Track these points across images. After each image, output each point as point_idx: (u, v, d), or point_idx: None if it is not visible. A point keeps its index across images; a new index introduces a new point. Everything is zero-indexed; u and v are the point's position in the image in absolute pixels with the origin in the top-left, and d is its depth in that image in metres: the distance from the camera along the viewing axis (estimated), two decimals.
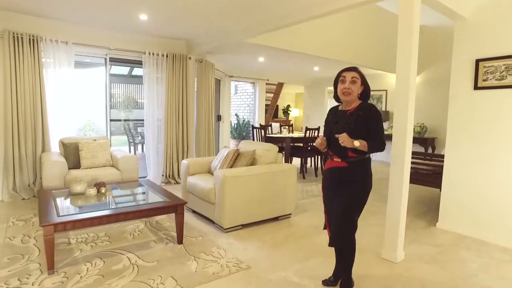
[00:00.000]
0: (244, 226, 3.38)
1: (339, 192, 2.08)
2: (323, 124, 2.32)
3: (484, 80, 3.12)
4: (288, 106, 13.81)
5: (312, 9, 3.34)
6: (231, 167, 3.62)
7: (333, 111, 2.22)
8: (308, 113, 10.06)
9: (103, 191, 3.06)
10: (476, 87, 3.18)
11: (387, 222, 2.74)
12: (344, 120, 2.05)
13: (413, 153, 3.27)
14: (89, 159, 4.09)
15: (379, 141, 2.00)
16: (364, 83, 2.07)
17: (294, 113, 14.02)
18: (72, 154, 4.08)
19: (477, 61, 3.15)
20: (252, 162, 3.69)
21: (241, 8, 3.65)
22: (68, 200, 2.94)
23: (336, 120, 2.12)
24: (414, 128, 7.26)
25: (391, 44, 6.66)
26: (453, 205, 3.43)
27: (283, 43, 4.84)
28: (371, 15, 6.01)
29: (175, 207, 2.84)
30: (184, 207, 3.79)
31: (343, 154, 2.05)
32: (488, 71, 3.08)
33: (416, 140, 6.10)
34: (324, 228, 2.24)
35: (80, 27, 4.48)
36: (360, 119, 1.99)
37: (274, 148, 3.76)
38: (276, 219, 3.64)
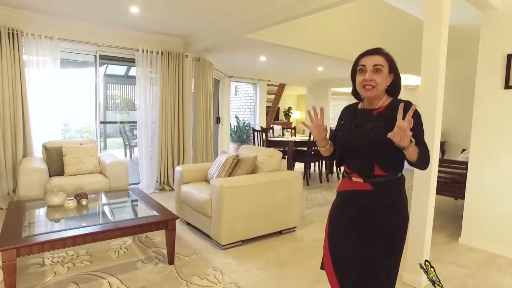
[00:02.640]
0: (244, 241, 3.00)
1: (363, 232, 1.41)
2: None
3: None
4: (290, 108, 13.46)
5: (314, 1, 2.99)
6: (229, 175, 3.24)
7: (349, 111, 1.57)
8: None
9: (84, 203, 2.69)
10: (507, 86, 2.82)
11: (410, 240, 2.37)
12: (370, 123, 1.42)
13: None
14: (73, 165, 3.72)
15: (425, 149, 1.34)
16: (394, 70, 1.44)
17: (295, 115, 13.66)
18: (55, 160, 3.71)
19: (509, 56, 2.79)
20: (253, 170, 3.32)
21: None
22: (43, 214, 2.57)
23: (356, 122, 1.48)
24: None
25: (401, 43, 6.34)
26: (479, 218, 3.05)
27: (287, 40, 4.48)
28: (381, 13, 5.66)
29: (165, 223, 2.47)
30: (179, 219, 3.46)
31: (367, 171, 1.42)
32: None
33: None
34: (322, 268, 1.58)
35: (66, 21, 4.12)
36: (394, 122, 1.26)
37: (277, 154, 3.39)
38: (279, 233, 3.26)
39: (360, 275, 1.41)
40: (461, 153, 4.41)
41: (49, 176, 3.54)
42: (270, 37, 4.29)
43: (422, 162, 1.33)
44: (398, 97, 1.49)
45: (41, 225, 2.37)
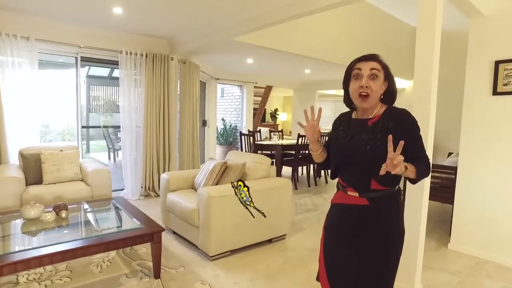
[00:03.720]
0: (232, 251, 2.91)
1: (359, 247, 1.37)
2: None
3: (505, 85, 2.76)
4: (276, 110, 13.43)
5: (308, 4, 2.93)
6: (217, 182, 3.15)
7: (344, 119, 1.51)
8: (297, 117, 9.67)
9: (63, 215, 2.54)
10: (495, 92, 2.83)
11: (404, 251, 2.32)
12: (365, 135, 1.35)
13: None
14: (53, 172, 3.54)
15: (426, 162, 1.31)
16: (389, 77, 1.38)
17: (281, 117, 13.64)
18: (33, 167, 3.52)
19: (497, 63, 2.80)
20: (242, 177, 3.23)
21: (230, 1, 3.20)
22: (17, 228, 2.41)
23: (351, 134, 1.42)
24: None
25: (389, 47, 6.38)
26: (468, 224, 3.06)
27: (275, 43, 4.41)
28: (369, 16, 5.67)
29: (151, 236, 2.35)
30: (165, 227, 3.34)
31: (363, 186, 1.36)
32: (509, 74, 2.73)
33: None
34: (318, 279, 1.56)
35: (44, 21, 3.92)
36: (391, 133, 1.21)
37: (267, 160, 3.31)
38: (269, 241, 3.19)
39: (356, 284, 1.38)
40: (448, 157, 4.45)
41: (26, 185, 3.35)
42: (258, 40, 4.21)
43: (422, 177, 1.29)
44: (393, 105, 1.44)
45: (15, 241, 2.21)
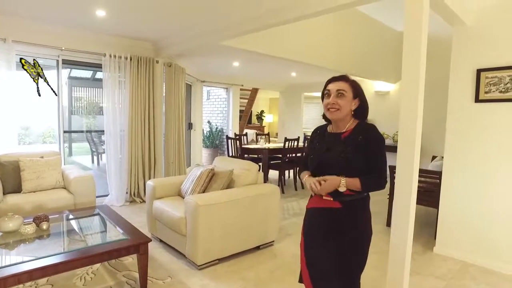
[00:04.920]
0: (221, 260, 2.87)
1: (333, 244, 1.57)
2: (306, 141, 1.82)
3: (486, 92, 2.83)
4: (262, 111, 13.43)
5: (293, 11, 2.94)
6: (204, 190, 3.10)
7: (320, 133, 1.72)
8: (283, 119, 9.69)
9: (44, 227, 2.44)
10: (477, 100, 2.90)
11: (391, 256, 2.34)
12: (338, 147, 1.56)
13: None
14: (33, 180, 3.41)
15: (379, 175, 1.52)
16: (359, 95, 1.59)
17: (268, 119, 13.65)
18: (11, 175, 3.38)
19: (479, 71, 2.87)
20: (229, 183, 3.20)
21: (217, 5, 3.17)
22: None
23: (326, 146, 1.62)
24: (392, 137, 7.12)
25: (374, 51, 6.47)
26: (453, 227, 3.12)
27: (262, 47, 4.39)
28: (355, 21, 5.73)
29: (137, 247, 2.29)
30: (151, 235, 3.27)
31: (336, 191, 1.54)
32: (491, 83, 2.80)
33: (393, 150, 5.89)
34: (301, 281, 1.71)
35: (23, 22, 3.78)
36: (360, 145, 1.52)
37: (254, 166, 3.29)
38: (257, 248, 3.16)
39: (332, 275, 1.57)
40: (432, 160, 4.54)
41: (3, 194, 3.21)
42: (245, 44, 4.18)
43: (370, 189, 1.55)
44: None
45: None
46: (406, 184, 2.25)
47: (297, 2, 2.88)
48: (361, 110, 1.60)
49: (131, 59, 4.57)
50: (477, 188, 2.97)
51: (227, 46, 4.06)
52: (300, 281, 1.72)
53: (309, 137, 1.87)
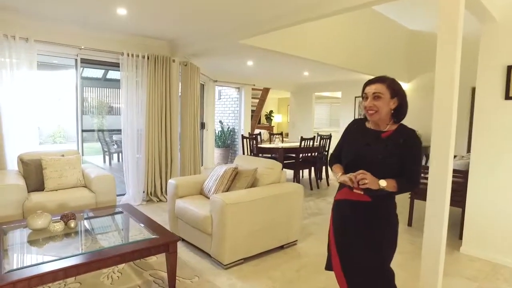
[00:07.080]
0: (245, 259, 2.84)
1: (363, 235, 1.64)
2: (339, 136, 1.83)
3: None
4: (271, 111, 13.40)
5: (313, 9, 2.92)
6: (228, 188, 3.08)
7: (357, 127, 1.75)
8: (294, 120, 9.65)
9: (72, 225, 2.43)
10: (507, 97, 2.84)
11: (424, 257, 2.30)
12: (379, 144, 1.61)
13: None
14: (55, 179, 3.41)
15: (415, 180, 1.58)
16: (397, 94, 1.61)
17: (276, 118, 13.61)
18: (34, 173, 3.38)
19: (509, 68, 2.81)
20: (253, 182, 3.17)
21: (237, 4, 3.14)
22: (24, 240, 2.29)
23: (366, 140, 1.65)
24: None
25: (389, 49, 6.41)
26: (480, 228, 3.06)
27: (277, 45, 4.34)
28: (369, 19, 5.67)
29: (166, 246, 2.26)
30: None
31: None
32: None
33: None
34: (327, 269, 1.81)
35: (44, 22, 3.80)
36: (400, 147, 1.57)
37: (278, 165, 3.26)
38: (281, 247, 3.13)
39: (364, 265, 1.63)
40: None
41: (27, 192, 3.22)
42: (261, 42, 4.15)
43: (401, 192, 1.58)
44: (404, 122, 1.67)
45: (24, 254, 2.10)
46: (441, 186, 2.22)
47: (320, 0, 2.85)
48: (399, 111, 1.64)
49: (148, 58, 4.57)
50: (506, 188, 2.91)
51: (243, 44, 4.02)
52: (327, 268, 1.81)
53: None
